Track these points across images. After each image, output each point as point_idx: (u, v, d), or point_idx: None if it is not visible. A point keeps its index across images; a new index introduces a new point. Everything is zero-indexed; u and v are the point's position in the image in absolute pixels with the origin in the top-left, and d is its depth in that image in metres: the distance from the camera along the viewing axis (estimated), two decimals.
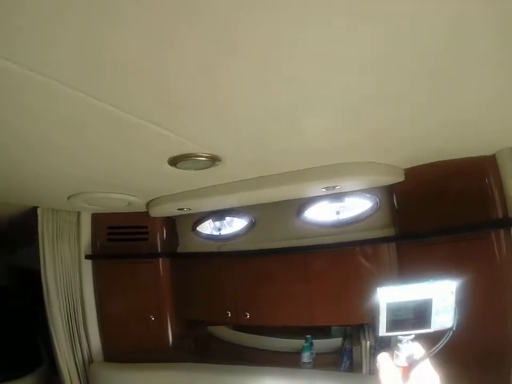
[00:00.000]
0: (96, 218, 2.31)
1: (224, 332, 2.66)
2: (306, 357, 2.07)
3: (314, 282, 1.90)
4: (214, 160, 1.23)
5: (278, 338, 2.39)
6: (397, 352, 0.68)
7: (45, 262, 2.21)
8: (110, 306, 2.32)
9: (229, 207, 1.95)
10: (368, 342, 1.84)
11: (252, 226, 2.09)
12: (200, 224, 2.25)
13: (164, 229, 2.30)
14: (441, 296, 0.63)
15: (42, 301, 2.81)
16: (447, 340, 0.66)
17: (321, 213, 1.95)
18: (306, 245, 1.89)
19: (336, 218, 1.89)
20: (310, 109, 0.90)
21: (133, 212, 2.20)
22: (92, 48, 0.60)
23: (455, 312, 0.65)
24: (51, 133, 0.97)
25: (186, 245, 2.37)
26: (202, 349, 2.49)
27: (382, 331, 0.65)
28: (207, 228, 2.26)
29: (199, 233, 2.29)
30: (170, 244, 2.35)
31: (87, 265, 2.32)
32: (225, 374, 2.00)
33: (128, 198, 1.82)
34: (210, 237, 2.25)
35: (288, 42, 0.62)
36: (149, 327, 2.25)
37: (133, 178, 1.52)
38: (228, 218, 2.18)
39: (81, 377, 2.33)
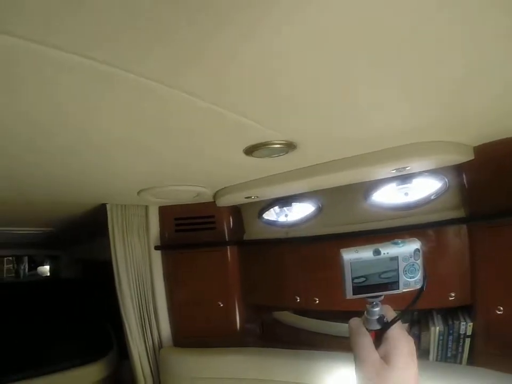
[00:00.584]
0: (163, 211, 2.37)
1: (288, 317, 2.63)
2: None
3: None
4: (289, 146, 1.20)
5: (342, 323, 2.37)
6: (367, 316, 0.65)
7: (116, 254, 2.31)
8: (179, 294, 2.40)
9: (297, 193, 1.93)
10: (437, 328, 1.78)
11: (318, 211, 2.06)
12: (266, 211, 2.24)
13: (231, 217, 2.31)
14: (407, 254, 0.60)
15: (111, 291, 2.96)
16: (417, 300, 0.63)
17: (389, 196, 1.89)
18: (373, 228, 1.83)
19: (404, 201, 1.82)
20: (388, 91, 0.85)
21: (199, 203, 2.23)
22: None
23: (424, 272, 0.62)
24: (131, 129, 0.97)
25: (253, 232, 2.38)
26: (268, 333, 2.51)
27: (349, 293, 0.63)
28: (272, 214, 2.25)
29: (265, 220, 2.28)
30: (237, 232, 2.36)
31: (157, 256, 2.40)
32: (290, 358, 2.00)
33: (197, 189, 1.83)
34: (276, 224, 2.24)
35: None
36: (217, 313, 2.30)
37: (205, 170, 1.52)
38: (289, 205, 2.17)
39: (151, 362, 2.44)
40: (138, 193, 1.87)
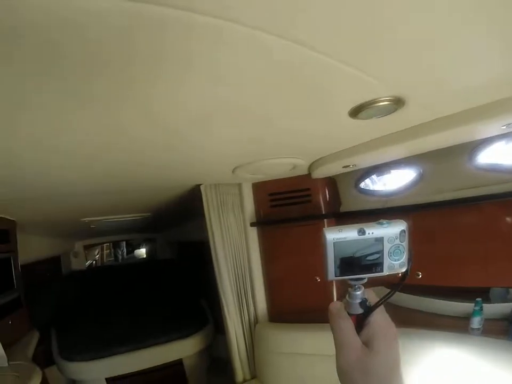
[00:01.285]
0: (257, 187, 2.38)
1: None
2: (476, 322, 1.85)
3: (492, 236, 1.69)
4: (398, 103, 1.10)
5: (444, 301, 2.21)
6: (349, 300, 0.61)
7: (213, 233, 2.37)
8: (275, 270, 2.41)
9: (398, 158, 1.81)
10: None
11: (419, 178, 1.93)
12: (362, 180, 2.15)
13: (326, 189, 2.25)
14: (393, 236, 0.57)
15: (205, 269, 3.09)
16: (401, 285, 0.60)
17: (497, 157, 1.70)
18: (481, 194, 1.66)
19: None
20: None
21: (293, 177, 2.19)
22: None
23: (409, 255, 0.58)
24: (240, 92, 0.92)
25: (349, 204, 2.30)
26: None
27: (331, 275, 0.58)
28: (368, 184, 2.16)
29: (362, 190, 2.19)
30: (333, 204, 2.30)
31: (253, 233, 2.42)
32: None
33: (293, 161, 1.80)
34: (375, 193, 2.14)
35: None
36: (314, 288, 2.26)
37: (304, 138, 1.46)
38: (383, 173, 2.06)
39: (246, 337, 2.50)
40: (233, 170, 1.88)
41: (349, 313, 0.61)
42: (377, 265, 0.58)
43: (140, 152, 1.41)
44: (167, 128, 1.14)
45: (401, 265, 0.59)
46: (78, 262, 5.50)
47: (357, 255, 0.58)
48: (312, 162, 1.91)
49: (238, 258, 2.44)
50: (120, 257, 6.42)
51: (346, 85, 0.94)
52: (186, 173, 2.00)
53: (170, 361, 3.29)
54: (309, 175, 2.10)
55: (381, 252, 0.58)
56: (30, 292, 3.39)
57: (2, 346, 2.38)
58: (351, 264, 0.58)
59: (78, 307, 4.66)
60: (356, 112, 1.13)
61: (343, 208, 2.33)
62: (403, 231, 0.57)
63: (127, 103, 0.89)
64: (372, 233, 0.57)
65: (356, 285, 0.60)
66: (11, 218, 2.88)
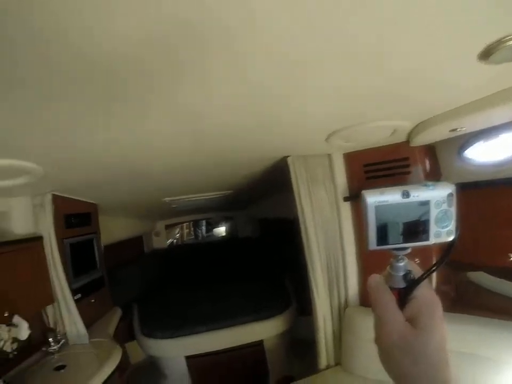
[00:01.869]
0: (349, 158, 2.20)
1: (486, 280, 2.23)
2: None
3: None
4: None
5: None
6: (391, 272, 0.56)
7: (302, 209, 2.24)
8: None
9: None
10: None
11: None
12: (467, 148, 1.86)
13: (426, 159, 2.01)
14: (440, 199, 0.51)
15: (289, 248, 3.01)
16: (449, 255, 0.54)
17: None
18: None
19: None
20: None
21: (389, 145, 1.99)
22: None
23: (457, 221, 0.52)
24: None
25: (451, 175, 2.03)
26: (462, 297, 2.20)
27: (372, 244, 0.54)
28: (474, 152, 1.86)
29: (466, 160, 1.90)
30: (434, 175, 2.05)
31: (346, 208, 2.25)
32: (491, 329, 1.72)
33: (396, 124, 1.60)
34: (484, 163, 1.84)
35: None
36: None
37: (417, 88, 1.23)
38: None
39: (334, 321, 2.36)
40: (327, 138, 1.73)
41: (390, 287, 0.56)
42: (422, 232, 0.53)
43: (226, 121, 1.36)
44: (255, 87, 1.04)
45: (448, 233, 0.54)
46: (159, 241, 5.71)
47: (401, 221, 0.53)
48: (415, 126, 1.69)
49: (329, 236, 2.29)
50: (200, 235, 6.60)
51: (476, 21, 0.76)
52: (273, 144, 1.89)
53: (251, 342, 3.27)
54: (406, 142, 1.89)
55: (427, 217, 0.52)
56: (113, 271, 3.53)
57: (86, 323, 2.49)
58: (394, 231, 0.53)
59: (160, 285, 4.82)
60: (487, 53, 0.91)
61: (444, 180, 2.03)
62: (451, 194, 0.52)
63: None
64: (417, 196, 0.52)
65: (399, 256, 0.56)
66: (93, 202, 3.01)
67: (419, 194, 0.52)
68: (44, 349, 2.32)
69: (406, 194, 0.52)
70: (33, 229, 2.39)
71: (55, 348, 2.32)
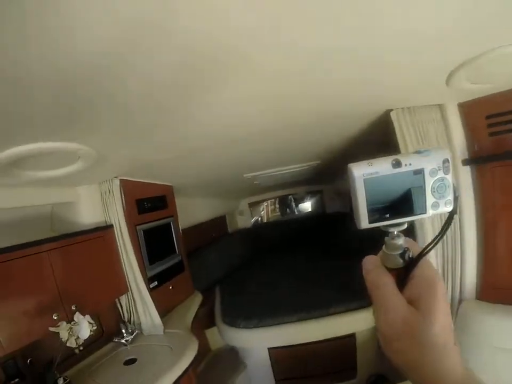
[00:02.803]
0: (467, 109, 1.67)
1: None
2: None
3: None
4: None
5: None
6: (387, 251, 0.51)
7: None
8: (498, 227, 1.68)
9: None
10: None
11: None
12: None
13: None
14: (435, 166, 0.47)
15: None
16: (448, 227, 0.49)
17: None
18: None
19: None
20: None
21: None
22: None
23: (454, 190, 0.48)
24: None
25: None
26: None
27: (364, 222, 0.48)
28: None
29: None
30: None
31: (465, 174, 1.73)
32: None
33: None
34: None
35: None
36: None
37: None
38: None
39: None
40: (448, 77, 1.27)
41: (387, 268, 0.51)
42: (418, 204, 0.48)
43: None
44: None
45: (447, 204, 0.48)
46: (243, 220, 5.51)
47: (393, 194, 0.47)
48: None
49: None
50: (286, 212, 6.29)
51: None
52: (373, 94, 1.48)
53: (343, 335, 2.84)
54: None
55: (421, 187, 0.47)
56: (194, 254, 3.33)
57: (163, 311, 2.34)
58: (387, 206, 0.48)
59: (244, 267, 4.55)
60: None
61: None
62: (446, 160, 0.47)
63: None
64: (410, 164, 0.46)
65: (394, 232, 0.50)
66: (167, 184, 2.82)
67: (411, 162, 0.47)
68: (116, 339, 2.22)
69: (396, 164, 0.46)
70: (103, 217, 2.25)
71: (127, 339, 2.21)
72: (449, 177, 0.48)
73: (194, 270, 3.08)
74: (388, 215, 0.48)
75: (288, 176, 3.82)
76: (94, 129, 1.21)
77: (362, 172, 0.46)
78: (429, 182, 0.47)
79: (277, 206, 6.24)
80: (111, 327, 2.28)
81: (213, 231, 4.33)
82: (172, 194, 2.88)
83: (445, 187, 0.48)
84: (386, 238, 0.51)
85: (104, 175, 2.09)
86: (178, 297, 2.77)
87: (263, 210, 6.20)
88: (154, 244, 2.54)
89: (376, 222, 0.49)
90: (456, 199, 0.49)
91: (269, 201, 6.17)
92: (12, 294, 1.61)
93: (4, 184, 1.63)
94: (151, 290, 2.36)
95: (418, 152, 0.47)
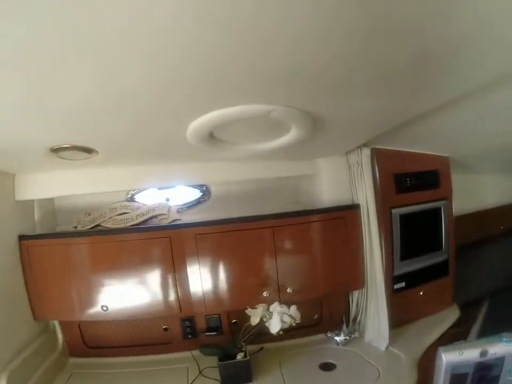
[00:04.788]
0: None
1: None
2: None
3: None
4: None
5: None
6: None
7: None
8: None
9: None
10: None
11: None
12: None
13: None
14: None
15: None
16: None
17: None
18: None
19: None
20: None
21: None
22: None
23: None
24: None
25: None
26: None
27: None
28: None
29: None
30: None
31: None
32: None
33: None
34: None
35: None
36: None
37: None
38: None
39: None
40: None
41: None
42: (491, 382, 0.55)
43: None
44: None
45: None
46: None
47: (473, 375, 0.54)
48: None
49: None
50: None
51: None
52: None
53: None
54: None
55: (499, 370, 0.54)
56: (465, 253, 2.35)
57: (399, 321, 1.85)
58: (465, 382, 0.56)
59: None
60: None
61: None
62: None
63: None
64: (494, 353, 0.53)
65: None
66: (442, 155, 2.08)
67: (496, 351, 0.53)
68: (329, 334, 1.89)
69: (484, 354, 0.53)
70: (349, 195, 1.84)
71: (342, 338, 1.85)
72: None
73: (459, 275, 2.24)
74: None
75: None
76: None
77: (452, 358, 0.57)
78: (507, 366, 0.56)
79: None
80: (330, 319, 1.96)
81: (503, 222, 3.05)
82: (448, 168, 2.11)
83: None
84: None
85: (347, 143, 1.65)
86: (426, 309, 2.06)
87: None
88: (413, 234, 1.96)
89: None
90: None
91: None
92: (239, 260, 1.68)
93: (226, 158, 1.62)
94: (393, 293, 1.84)
95: (502, 340, 0.54)
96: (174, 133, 1.16)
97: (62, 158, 1.34)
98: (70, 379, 1.75)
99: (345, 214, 1.76)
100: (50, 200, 1.94)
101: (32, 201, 1.79)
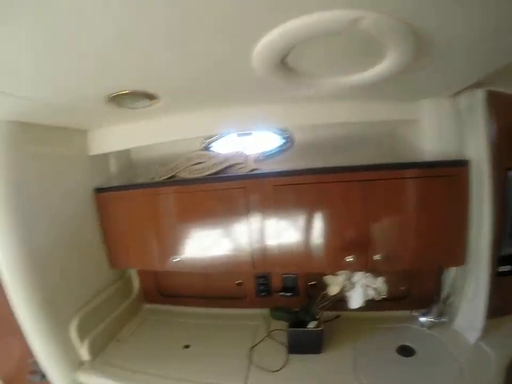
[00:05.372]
0: None
1: None
2: None
3: None
4: None
5: None
6: None
7: None
8: None
9: None
10: None
11: None
12: None
13: None
14: None
15: None
16: None
17: None
18: None
19: None
20: None
21: None
22: None
23: None
24: None
25: None
26: None
27: None
28: None
29: None
30: None
31: None
32: None
33: None
34: None
35: None
36: None
37: None
38: None
39: None
40: None
41: None
42: None
43: None
44: None
45: None
46: None
47: None
48: None
49: None
50: None
51: None
52: None
53: None
54: None
55: None
56: None
57: (499, 310, 1.50)
58: None
59: None
60: None
61: None
62: None
63: None
64: None
65: None
66: None
67: None
68: (415, 313, 1.64)
69: None
70: (457, 147, 1.52)
71: (430, 320, 1.60)
72: None
73: None
74: None
75: None
76: None
77: None
78: None
79: None
80: (419, 295, 1.73)
81: None
82: None
83: None
84: None
85: (458, 79, 1.32)
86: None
87: None
88: None
89: None
90: None
91: None
92: (321, 217, 1.50)
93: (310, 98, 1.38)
94: (496, 276, 1.48)
95: None
96: (238, 59, 0.95)
97: (123, 108, 1.28)
98: (143, 324, 1.78)
99: (451, 172, 1.43)
100: (127, 154, 1.94)
101: (107, 155, 1.79)
